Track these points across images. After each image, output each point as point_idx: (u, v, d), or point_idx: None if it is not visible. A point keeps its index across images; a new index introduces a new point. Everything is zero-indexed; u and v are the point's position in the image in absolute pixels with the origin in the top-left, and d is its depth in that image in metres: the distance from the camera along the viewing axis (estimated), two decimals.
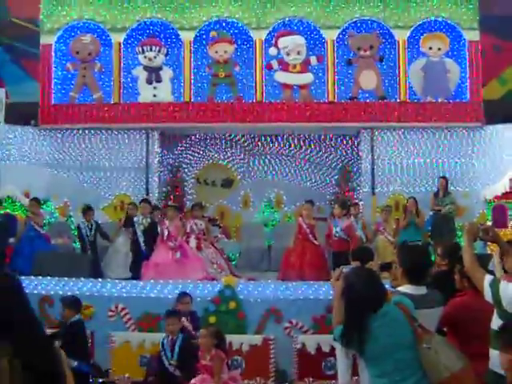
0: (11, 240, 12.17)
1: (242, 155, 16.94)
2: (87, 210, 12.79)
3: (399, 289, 4.46)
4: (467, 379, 3.71)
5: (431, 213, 13.52)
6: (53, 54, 15.90)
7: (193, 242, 11.62)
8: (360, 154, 15.87)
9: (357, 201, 13.48)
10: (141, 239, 11.88)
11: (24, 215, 13.23)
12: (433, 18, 15.66)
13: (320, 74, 15.82)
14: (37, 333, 2.73)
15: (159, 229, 11.47)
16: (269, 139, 16.81)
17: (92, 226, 12.56)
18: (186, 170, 16.91)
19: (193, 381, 6.45)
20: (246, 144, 16.92)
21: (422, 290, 4.41)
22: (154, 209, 13.04)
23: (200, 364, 6.50)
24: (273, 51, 15.77)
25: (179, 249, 11.04)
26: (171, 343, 7.01)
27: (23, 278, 9.03)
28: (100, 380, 8.08)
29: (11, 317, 2.63)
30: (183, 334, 7.12)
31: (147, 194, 15.29)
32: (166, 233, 11.15)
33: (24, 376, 2.55)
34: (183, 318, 7.41)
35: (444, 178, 13.89)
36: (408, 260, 4.49)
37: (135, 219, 12.03)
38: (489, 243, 9.62)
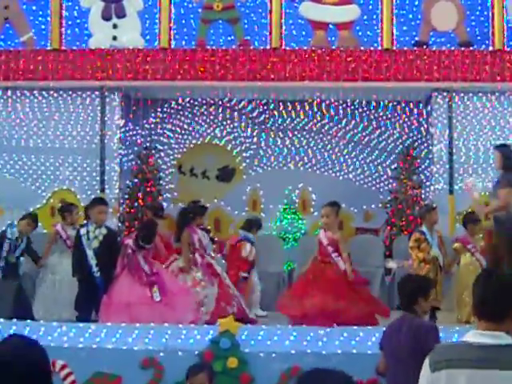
0: None
1: (250, 131, 17.06)
2: (27, 217, 12.76)
3: (465, 337, 4.32)
4: None
5: None
6: None
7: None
8: (431, 130, 15.85)
9: (435, 205, 13.38)
10: (92, 262, 11.36)
11: None
12: None
13: (370, 7, 15.75)
14: None
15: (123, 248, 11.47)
16: (290, 107, 16.92)
17: (22, 240, 12.51)
18: (163, 154, 17.12)
19: None
20: (254, 114, 17.05)
21: (500, 339, 4.22)
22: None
23: None
24: None
25: (157, 281, 10.94)
26: None
27: None
28: None
29: None
30: None
31: (102, 190, 15.33)
32: (142, 262, 11.11)
33: None
34: None
35: None
36: (477, 292, 4.41)
37: (81, 231, 11.59)
38: None
